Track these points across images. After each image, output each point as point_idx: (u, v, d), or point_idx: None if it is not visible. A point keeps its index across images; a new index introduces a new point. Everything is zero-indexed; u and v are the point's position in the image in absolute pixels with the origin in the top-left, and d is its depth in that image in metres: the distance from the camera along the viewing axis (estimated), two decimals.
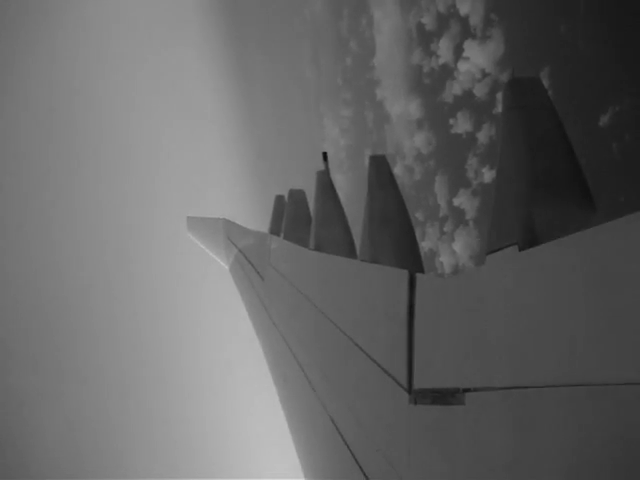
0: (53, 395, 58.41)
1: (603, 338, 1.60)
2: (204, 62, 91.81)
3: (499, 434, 1.97)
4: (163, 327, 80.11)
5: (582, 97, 27.22)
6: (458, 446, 2.19)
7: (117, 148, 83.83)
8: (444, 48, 41.64)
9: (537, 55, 31.15)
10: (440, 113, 43.07)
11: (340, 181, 56.08)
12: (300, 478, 4.16)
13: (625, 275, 1.58)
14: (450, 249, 41.42)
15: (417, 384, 2.53)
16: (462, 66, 39.21)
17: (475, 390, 2.10)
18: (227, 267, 8.57)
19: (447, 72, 41.54)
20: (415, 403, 2.49)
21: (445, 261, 41.84)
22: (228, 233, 8.80)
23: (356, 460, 2.98)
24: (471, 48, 38.30)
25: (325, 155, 6.21)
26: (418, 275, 2.70)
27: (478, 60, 37.77)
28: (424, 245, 42.67)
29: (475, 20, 37.47)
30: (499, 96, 35.87)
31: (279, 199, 7.79)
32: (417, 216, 44.09)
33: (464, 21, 38.60)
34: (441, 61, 42.16)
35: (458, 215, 40.54)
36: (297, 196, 6.87)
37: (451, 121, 41.12)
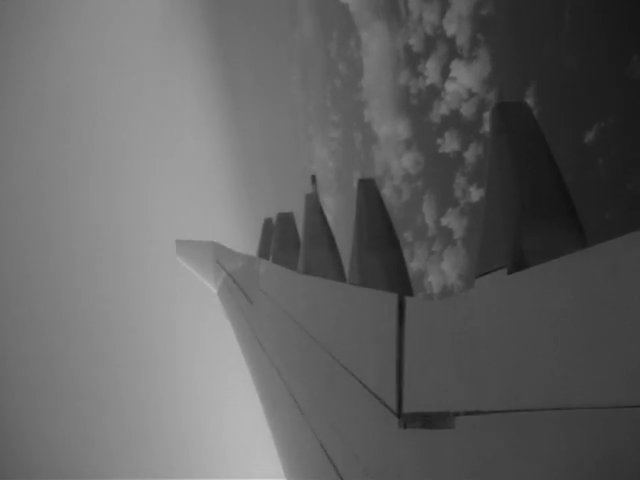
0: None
1: (593, 361, 1.60)
2: (192, 82, 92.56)
3: (489, 458, 1.95)
4: (157, 344, 79.75)
5: (567, 114, 27.67)
6: (448, 470, 2.19)
7: (104, 174, 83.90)
8: (431, 69, 42.34)
9: (522, 73, 31.71)
10: (428, 133, 43.56)
11: (329, 203, 56.46)
12: None
13: (615, 297, 1.57)
14: (439, 269, 41.57)
15: (406, 408, 2.52)
16: (449, 86, 39.82)
17: (465, 414, 2.10)
18: (215, 291, 8.50)
19: (434, 92, 42.14)
20: (405, 427, 2.48)
21: (434, 281, 41.97)
22: (217, 256, 8.71)
23: None
24: (458, 68, 38.94)
25: (314, 178, 6.26)
26: (407, 299, 2.70)
27: (465, 80, 38.40)
28: (413, 265, 42.75)
29: (461, 40, 38.16)
30: (486, 115, 36.37)
31: (267, 222, 7.79)
32: (405, 236, 44.30)
33: (451, 42, 39.29)
34: (428, 82, 42.80)
35: (446, 235, 40.86)
36: (286, 219, 6.86)
37: (439, 141, 41.59)
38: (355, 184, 4.73)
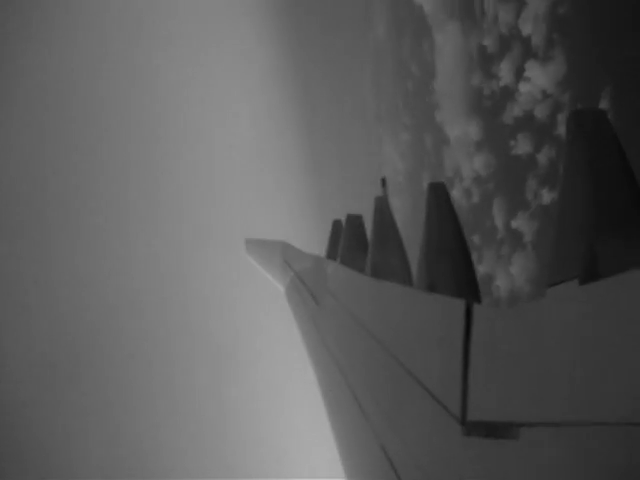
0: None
1: None
2: (264, 84, 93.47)
3: (553, 471, 1.91)
4: (217, 341, 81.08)
5: None
6: None
7: (171, 172, 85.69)
8: (505, 69, 41.66)
9: (599, 74, 30.93)
10: (500, 135, 42.77)
11: (397, 205, 55.83)
12: None
13: None
14: (507, 272, 40.68)
15: (471, 416, 2.49)
16: (523, 87, 39.23)
17: (530, 425, 2.07)
18: (283, 290, 8.50)
19: (508, 93, 41.56)
20: (468, 435, 2.46)
21: (502, 285, 41.06)
22: (285, 256, 8.75)
23: None
24: (532, 69, 38.23)
25: (384, 181, 6.32)
26: (475, 305, 2.68)
27: (539, 81, 37.65)
28: (481, 269, 41.82)
29: (537, 40, 37.57)
30: (560, 117, 35.64)
31: (336, 224, 7.78)
32: (474, 239, 43.47)
33: (526, 42, 38.72)
34: (502, 83, 42.26)
35: (516, 238, 39.92)
36: (355, 221, 6.85)
37: (511, 143, 40.91)
38: (425, 186, 4.74)
